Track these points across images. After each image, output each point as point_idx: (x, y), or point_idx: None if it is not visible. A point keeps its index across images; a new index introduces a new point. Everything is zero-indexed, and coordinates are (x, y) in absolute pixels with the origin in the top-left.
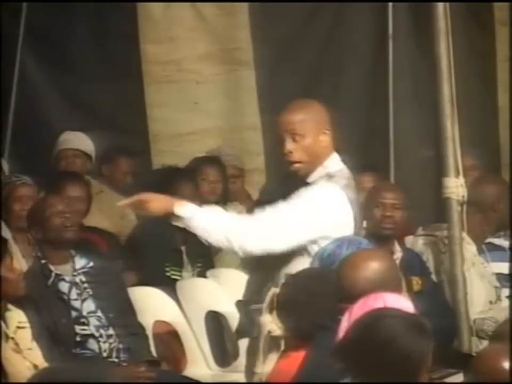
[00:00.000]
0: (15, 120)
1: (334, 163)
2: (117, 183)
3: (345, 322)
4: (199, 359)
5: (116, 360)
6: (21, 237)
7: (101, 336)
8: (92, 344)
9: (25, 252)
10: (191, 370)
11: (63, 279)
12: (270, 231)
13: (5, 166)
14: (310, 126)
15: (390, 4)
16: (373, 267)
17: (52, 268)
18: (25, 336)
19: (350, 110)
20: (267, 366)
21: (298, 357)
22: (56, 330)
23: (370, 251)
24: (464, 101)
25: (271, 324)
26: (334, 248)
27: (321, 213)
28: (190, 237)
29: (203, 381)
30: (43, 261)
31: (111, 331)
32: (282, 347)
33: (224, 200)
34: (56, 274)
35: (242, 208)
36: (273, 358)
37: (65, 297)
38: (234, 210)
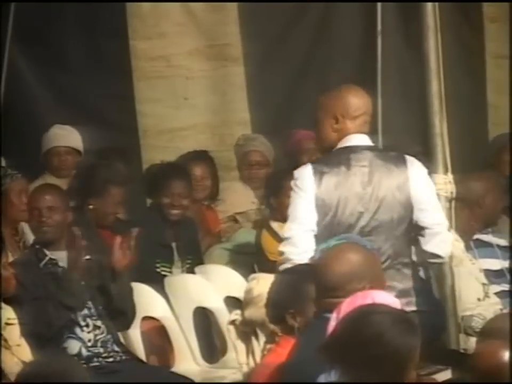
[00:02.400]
0: (3, 115)
1: (342, 144)
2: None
3: (334, 321)
4: (187, 355)
5: (102, 350)
6: (8, 231)
7: (87, 325)
8: (78, 332)
9: (10, 244)
10: (179, 366)
11: (57, 264)
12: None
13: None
14: (321, 115)
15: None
16: (343, 260)
17: (47, 252)
18: (14, 333)
19: None
20: (240, 355)
21: (284, 352)
22: (47, 309)
23: (345, 246)
24: (452, 98)
25: (235, 315)
26: (337, 244)
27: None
28: (180, 234)
29: (191, 376)
30: (37, 246)
31: (99, 322)
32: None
33: (213, 196)
34: (50, 259)
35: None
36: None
37: (59, 279)
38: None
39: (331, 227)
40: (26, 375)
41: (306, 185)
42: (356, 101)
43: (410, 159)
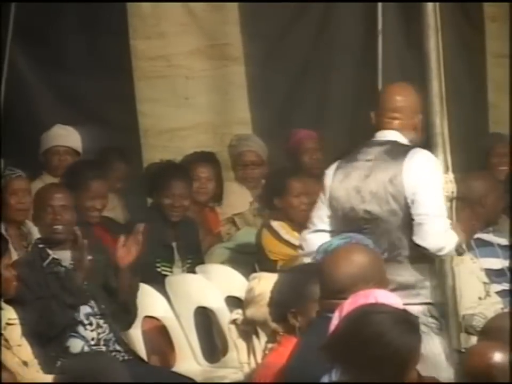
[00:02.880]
0: (4, 115)
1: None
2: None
3: (336, 320)
4: (188, 354)
5: (104, 349)
6: (14, 231)
7: (90, 324)
8: (81, 330)
9: (17, 244)
10: (181, 366)
11: (60, 264)
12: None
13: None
14: None
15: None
16: (351, 262)
17: (50, 252)
18: (15, 333)
19: (339, 105)
20: (241, 354)
21: (285, 351)
22: (50, 309)
23: (352, 247)
24: (453, 97)
25: (236, 314)
26: (339, 243)
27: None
28: (181, 234)
29: (192, 376)
30: (41, 245)
31: (102, 321)
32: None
33: (216, 198)
34: (54, 258)
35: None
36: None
37: (62, 277)
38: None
39: (341, 221)
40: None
41: (326, 183)
42: (387, 98)
43: (413, 151)
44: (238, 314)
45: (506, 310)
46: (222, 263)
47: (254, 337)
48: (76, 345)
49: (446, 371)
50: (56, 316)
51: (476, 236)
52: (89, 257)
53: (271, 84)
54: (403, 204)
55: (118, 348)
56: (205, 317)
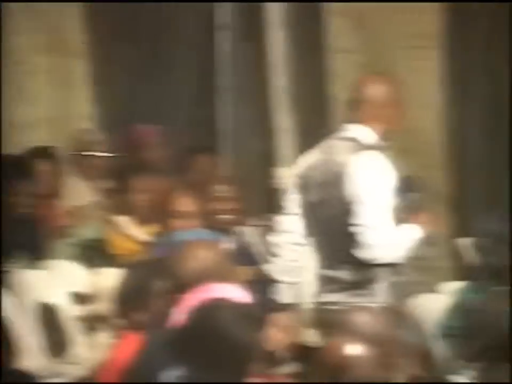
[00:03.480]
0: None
1: None
2: None
3: (176, 315)
4: (31, 350)
5: None
6: None
7: None
8: None
9: None
10: (24, 362)
11: None
12: None
13: None
14: None
15: None
16: (194, 257)
17: None
18: None
19: (180, 100)
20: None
21: (128, 347)
22: None
23: (194, 242)
24: (296, 94)
25: (79, 310)
26: (183, 237)
27: None
28: (21, 230)
29: (37, 372)
30: None
31: None
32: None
33: (55, 193)
34: None
35: None
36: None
37: None
38: None
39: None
40: None
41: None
42: (356, 89)
43: (361, 155)
44: (81, 310)
45: None
46: (65, 258)
47: (96, 333)
48: None
49: None
50: None
51: None
52: None
53: (114, 79)
54: (345, 209)
55: None
56: (47, 313)
